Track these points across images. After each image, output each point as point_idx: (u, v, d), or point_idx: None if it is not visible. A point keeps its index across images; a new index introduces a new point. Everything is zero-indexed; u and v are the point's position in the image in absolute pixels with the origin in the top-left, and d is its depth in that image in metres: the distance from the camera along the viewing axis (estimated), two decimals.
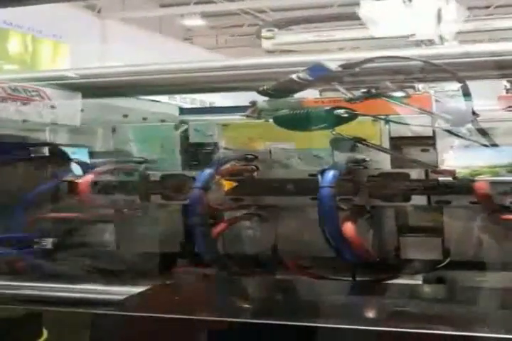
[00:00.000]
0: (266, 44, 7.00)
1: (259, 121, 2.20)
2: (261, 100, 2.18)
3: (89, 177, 2.24)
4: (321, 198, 1.87)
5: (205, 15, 16.84)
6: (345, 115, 1.86)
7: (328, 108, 1.88)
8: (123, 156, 2.33)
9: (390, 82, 1.82)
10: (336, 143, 1.97)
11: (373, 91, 1.79)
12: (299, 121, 1.91)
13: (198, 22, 17.23)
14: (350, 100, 1.84)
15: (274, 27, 7.01)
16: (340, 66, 1.88)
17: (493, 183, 1.83)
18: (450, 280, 1.99)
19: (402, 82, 2.10)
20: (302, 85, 1.89)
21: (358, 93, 1.87)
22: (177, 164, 2.27)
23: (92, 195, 2.22)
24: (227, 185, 2.10)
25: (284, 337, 1.45)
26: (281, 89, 1.94)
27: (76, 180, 2.26)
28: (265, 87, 1.95)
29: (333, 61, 1.90)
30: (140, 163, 2.29)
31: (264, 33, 6.92)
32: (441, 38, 5.07)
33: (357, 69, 1.90)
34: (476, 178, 1.83)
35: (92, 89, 2.62)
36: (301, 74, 1.86)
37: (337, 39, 6.59)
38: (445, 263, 1.96)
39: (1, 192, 2.36)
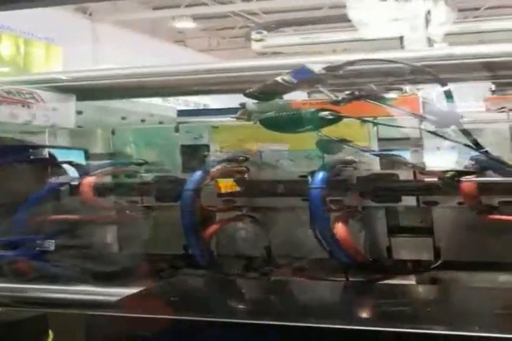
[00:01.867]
0: (256, 46, 6.98)
1: (249, 122, 2.22)
2: (250, 102, 2.19)
3: (90, 179, 2.26)
4: (311, 199, 1.90)
5: (196, 18, 16.80)
6: (330, 117, 1.87)
7: (313, 110, 1.89)
8: (123, 158, 2.36)
9: (376, 84, 1.83)
10: (322, 144, 1.99)
11: (357, 93, 1.80)
12: (285, 122, 1.92)
13: (189, 24, 17.19)
14: (334, 102, 1.85)
15: (263, 29, 6.98)
16: (324, 69, 1.90)
17: (480, 184, 1.85)
18: (442, 281, 2.01)
19: (388, 84, 2.11)
20: (287, 87, 1.90)
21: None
22: (178, 166, 2.29)
23: (92, 197, 2.24)
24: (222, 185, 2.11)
25: (277, 338, 1.45)
26: (267, 91, 1.95)
27: (76, 182, 2.29)
28: (252, 90, 1.96)
29: (316, 64, 1.92)
30: (140, 165, 2.31)
31: (254, 35, 6.89)
32: (429, 40, 5.09)
33: (340, 72, 1.91)
34: (463, 179, 1.85)
35: (85, 91, 2.62)
36: (285, 77, 1.87)
37: (327, 41, 6.58)
38: (438, 263, 1.98)
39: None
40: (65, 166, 2.40)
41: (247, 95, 1.96)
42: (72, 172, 2.40)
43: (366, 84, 1.87)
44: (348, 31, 6.13)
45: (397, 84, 2.54)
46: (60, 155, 2.43)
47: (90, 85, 2.62)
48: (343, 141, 1.95)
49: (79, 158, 2.45)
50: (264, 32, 6.96)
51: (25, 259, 2.24)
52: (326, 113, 1.86)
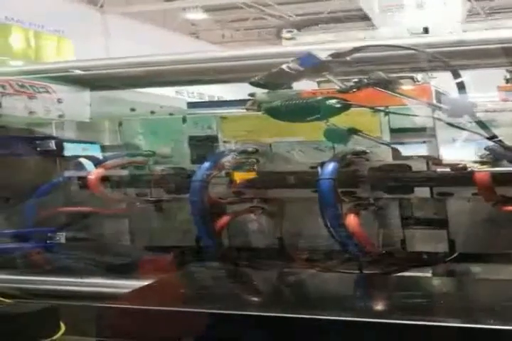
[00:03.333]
0: (286, 44, 6.97)
1: (258, 113, 2.19)
2: (260, 92, 2.16)
3: (98, 171, 2.25)
4: (320, 190, 1.87)
5: (208, 9, 16.77)
6: (338, 105, 1.82)
7: (320, 98, 1.84)
8: (131, 150, 2.34)
9: (386, 72, 1.78)
10: (330, 134, 1.95)
11: (365, 80, 1.76)
12: (291, 111, 1.87)
13: (200, 16, 17.15)
14: (341, 90, 1.81)
15: (294, 27, 7.01)
16: (330, 55, 1.86)
17: (494, 174, 1.82)
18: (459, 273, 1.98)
19: (398, 71, 2.07)
20: (293, 75, 1.86)
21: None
22: (186, 157, 2.27)
23: (102, 189, 2.23)
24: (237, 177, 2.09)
25: (289, 330, 1.45)
26: (273, 79, 1.91)
27: (84, 175, 2.27)
28: (257, 78, 1.92)
29: (323, 51, 1.88)
30: (148, 156, 2.29)
31: (285, 34, 6.92)
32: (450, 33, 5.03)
33: (348, 59, 1.87)
34: (476, 169, 1.81)
35: (97, 81, 2.60)
36: (291, 65, 1.83)
37: (358, 39, 6.54)
38: (454, 255, 1.95)
39: (12, 185, 2.36)
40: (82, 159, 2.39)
41: (252, 84, 1.92)
42: (88, 165, 2.39)
43: (373, 71, 1.83)
44: (378, 29, 6.10)
45: (408, 71, 2.49)
46: (77, 149, 2.43)
47: (103, 75, 2.59)
48: (352, 130, 1.91)
49: (95, 151, 2.45)
50: (295, 30, 6.97)
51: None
52: (334, 101, 1.81)
